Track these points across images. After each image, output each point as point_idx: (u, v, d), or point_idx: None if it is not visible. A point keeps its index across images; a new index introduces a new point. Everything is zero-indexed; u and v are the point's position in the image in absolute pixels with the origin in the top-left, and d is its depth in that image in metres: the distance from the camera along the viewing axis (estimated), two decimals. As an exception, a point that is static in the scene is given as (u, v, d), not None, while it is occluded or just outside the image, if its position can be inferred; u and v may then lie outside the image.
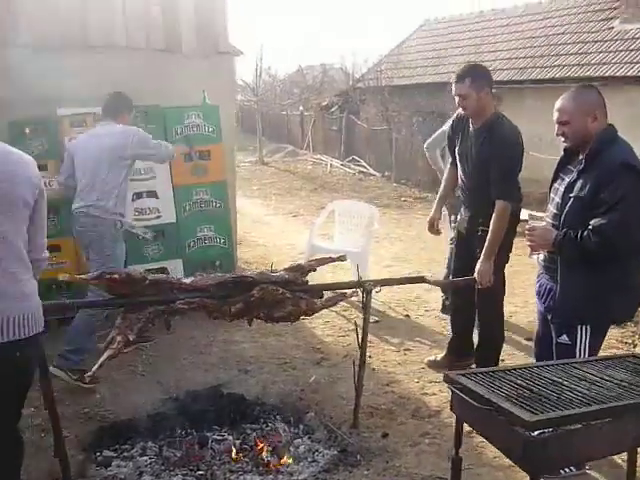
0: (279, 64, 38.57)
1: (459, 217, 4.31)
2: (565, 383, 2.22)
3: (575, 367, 2.40)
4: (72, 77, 5.78)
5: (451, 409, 2.38)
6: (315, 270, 3.48)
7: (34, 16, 5.71)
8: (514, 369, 2.35)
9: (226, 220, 5.51)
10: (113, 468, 3.30)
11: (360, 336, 3.51)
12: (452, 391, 2.22)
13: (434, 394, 4.05)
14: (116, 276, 2.98)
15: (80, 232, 4.32)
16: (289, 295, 3.30)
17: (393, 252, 8.05)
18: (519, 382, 2.19)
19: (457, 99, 3.92)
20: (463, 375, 2.17)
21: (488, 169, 3.87)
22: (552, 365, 2.44)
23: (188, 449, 3.44)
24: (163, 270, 5.24)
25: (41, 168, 4.91)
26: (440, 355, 4.52)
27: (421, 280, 3.72)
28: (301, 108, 22.01)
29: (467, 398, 2.10)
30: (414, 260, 7.58)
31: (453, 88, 3.92)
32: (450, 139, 4.26)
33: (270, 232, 9.53)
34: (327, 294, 3.54)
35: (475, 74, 3.88)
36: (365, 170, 16.15)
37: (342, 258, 3.53)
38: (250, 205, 12.26)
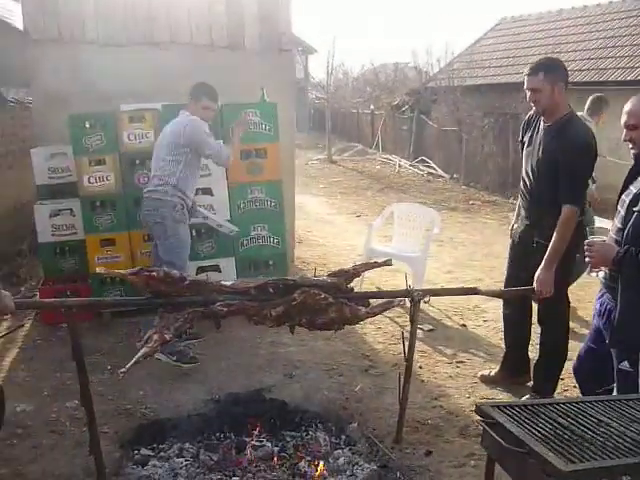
0: (352, 62, 38.45)
1: (515, 225, 4.07)
2: (614, 425, 1.96)
3: (629, 405, 2.12)
4: (136, 73, 5.86)
5: (481, 444, 2.18)
6: (359, 276, 3.35)
7: (101, 13, 5.81)
8: (557, 404, 2.10)
9: (280, 220, 5.44)
10: (149, 468, 3.26)
11: (407, 348, 3.35)
12: (482, 426, 2.02)
13: (485, 411, 3.84)
14: (154, 274, 2.94)
15: (145, 215, 4.48)
16: (332, 300, 3.17)
17: (455, 257, 7.80)
18: (560, 420, 1.95)
19: (528, 94, 3.64)
20: (497, 408, 1.96)
21: (553, 172, 3.58)
22: (602, 401, 2.16)
23: (225, 453, 3.38)
24: (216, 268, 5.22)
25: (99, 163, 5.10)
26: (494, 370, 4.30)
27: (473, 291, 3.52)
28: (372, 106, 21.81)
29: (496, 436, 1.88)
30: (477, 266, 7.31)
31: (525, 81, 3.64)
32: (520, 140, 4.01)
33: (331, 232, 9.43)
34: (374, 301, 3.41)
35: (550, 67, 3.59)
36: (434, 171, 15.83)
37: (388, 263, 3.36)
38: (315, 203, 12.21)
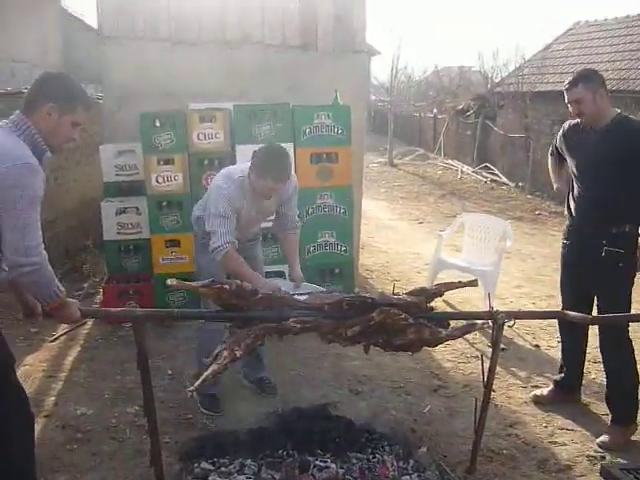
0: (416, 64, 37.95)
1: (565, 242, 3.85)
2: None
3: None
4: (206, 72, 5.80)
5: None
6: (441, 295, 3.14)
7: (174, 11, 5.75)
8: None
9: (349, 227, 5.26)
10: (209, 483, 3.14)
11: (486, 374, 3.12)
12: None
13: (565, 444, 3.58)
14: (226, 286, 2.80)
15: None
16: (412, 321, 2.98)
17: (524, 271, 7.48)
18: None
19: (572, 107, 3.58)
20: (626, 471, 1.74)
21: (623, 170, 3.47)
22: None
23: (288, 472, 3.22)
24: (280, 274, 5.08)
25: (167, 162, 5.02)
26: (546, 389, 4.13)
27: (562, 316, 3.26)
28: (435, 110, 21.44)
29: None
30: (546, 281, 6.97)
31: (566, 96, 3.59)
32: (557, 153, 3.93)
33: (394, 238, 9.21)
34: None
35: (587, 77, 3.57)
36: (497, 178, 15.40)
37: (474, 284, 3.15)
38: (375, 208, 12.00)
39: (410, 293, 3.08)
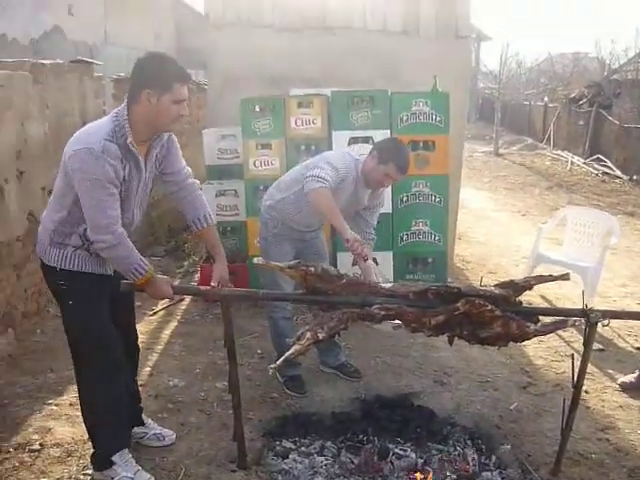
0: (527, 51, 36.50)
1: None
2: None
3: None
4: (308, 58, 5.86)
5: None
6: (530, 289, 3.03)
7: (278, -2, 5.83)
8: None
9: (443, 216, 5.17)
10: (289, 461, 3.20)
11: (577, 373, 3.00)
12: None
13: (661, 453, 3.38)
14: (312, 269, 2.84)
15: None
16: (499, 314, 2.90)
17: (632, 269, 7.07)
18: None
19: None
20: None
21: None
22: None
23: (367, 458, 3.24)
24: (373, 260, 5.07)
25: (265, 147, 5.13)
26: (634, 375, 3.95)
27: (664, 319, 3.07)
28: (546, 99, 20.59)
29: None
30: (656, 282, 6.58)
31: None
32: None
33: (494, 230, 8.96)
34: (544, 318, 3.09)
35: None
36: (610, 171, 14.61)
37: (566, 277, 3.02)
38: (477, 198, 11.73)
39: (499, 285, 3.00)
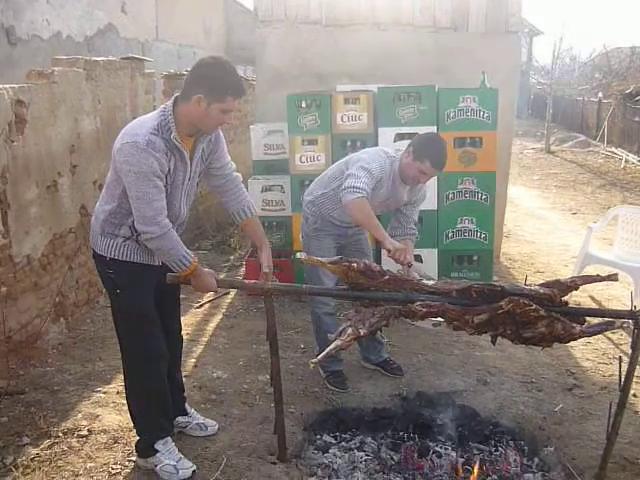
0: (582, 45, 35.51)
1: None
2: None
3: None
4: (355, 54, 5.86)
5: None
6: (577, 289, 2.97)
7: (326, -7, 5.84)
8: None
9: (490, 214, 5.10)
10: (329, 455, 3.23)
11: (624, 375, 2.93)
12: None
13: None
14: (355, 265, 2.84)
15: None
16: (543, 313, 2.86)
17: (687, 271, 6.85)
18: None
19: None
20: None
21: None
22: None
23: (407, 455, 3.25)
24: (417, 257, 5.04)
25: (311, 143, 5.15)
26: None
27: None
28: (600, 95, 20.05)
29: None
30: None
31: None
32: None
33: (543, 228, 8.79)
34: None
35: None
36: (667, 170, 14.17)
37: (613, 277, 2.94)
38: (527, 196, 11.54)
39: (544, 285, 2.95)
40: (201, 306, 5.19)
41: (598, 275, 2.94)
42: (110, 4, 8.61)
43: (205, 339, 4.57)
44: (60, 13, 7.42)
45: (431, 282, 3.00)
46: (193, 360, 4.19)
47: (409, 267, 3.46)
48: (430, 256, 5.09)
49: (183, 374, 3.95)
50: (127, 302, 2.81)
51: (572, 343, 4.53)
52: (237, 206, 3.01)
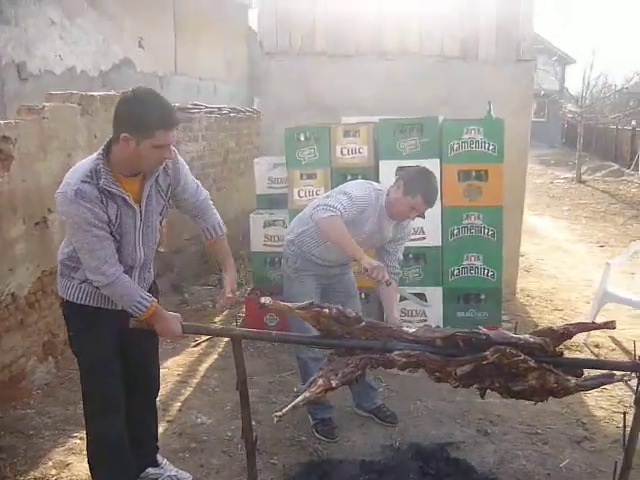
0: (615, 72, 34.99)
1: None
2: None
3: None
4: (361, 84, 5.73)
5: None
6: (570, 338, 2.71)
7: (331, 24, 5.75)
8: None
9: (497, 250, 4.84)
10: (310, 514, 3.01)
11: (628, 433, 2.66)
12: None
13: None
14: (326, 310, 2.64)
15: None
16: (534, 365, 2.61)
17: None
18: None
19: None
20: None
21: None
22: None
23: (394, 515, 3.00)
24: (421, 296, 4.82)
25: (310, 177, 5.00)
26: None
27: None
28: (634, 122, 19.60)
29: None
30: None
31: None
32: None
33: (567, 262, 8.45)
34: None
35: None
36: None
37: (610, 325, 2.68)
38: (553, 227, 11.19)
39: (535, 333, 2.71)
40: (198, 345, 5.03)
41: (594, 322, 2.69)
42: (126, 39, 8.66)
43: (195, 380, 4.39)
44: (74, 49, 7.47)
45: (412, 329, 2.78)
46: (179, 404, 4.02)
47: (388, 285, 3.27)
48: (435, 295, 4.85)
49: (166, 419, 3.81)
50: (80, 346, 2.72)
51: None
52: (203, 224, 2.87)
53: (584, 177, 17.98)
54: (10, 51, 6.53)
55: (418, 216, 3.43)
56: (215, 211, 2.91)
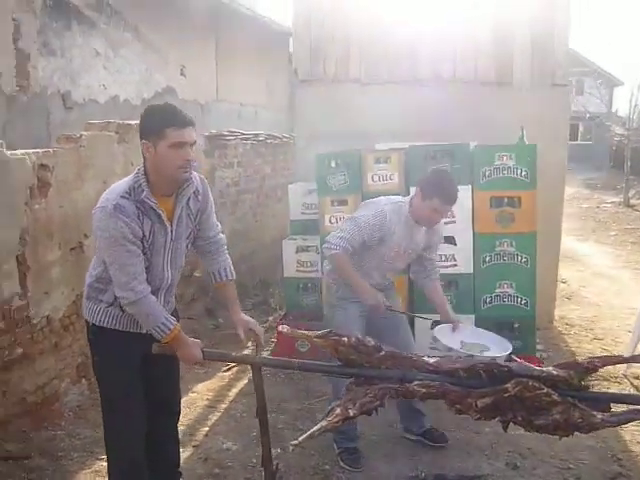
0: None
1: None
2: None
3: None
4: (395, 111, 5.73)
5: None
6: (596, 371, 2.65)
7: (365, 51, 5.80)
8: None
9: (531, 278, 4.75)
10: None
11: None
12: None
13: None
14: (345, 339, 2.64)
15: None
16: (557, 398, 2.55)
17: None
18: None
19: None
20: None
21: None
22: None
23: None
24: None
25: (341, 203, 5.01)
26: None
27: None
28: (685, 145, 19.10)
29: None
30: None
31: None
32: None
33: (610, 289, 8.23)
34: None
35: None
36: None
37: (638, 360, 2.60)
38: (598, 253, 10.93)
39: (559, 366, 2.65)
40: (229, 369, 5.05)
41: (620, 356, 2.62)
42: (169, 68, 8.89)
43: (224, 406, 4.41)
44: (117, 78, 7.70)
45: (434, 359, 2.75)
46: (206, 429, 4.04)
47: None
48: (467, 323, 4.75)
49: (192, 444, 3.83)
50: (103, 371, 2.76)
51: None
52: (214, 267, 2.91)
53: (632, 201, 17.53)
54: (56, 81, 6.78)
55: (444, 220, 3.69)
56: (227, 255, 2.96)
